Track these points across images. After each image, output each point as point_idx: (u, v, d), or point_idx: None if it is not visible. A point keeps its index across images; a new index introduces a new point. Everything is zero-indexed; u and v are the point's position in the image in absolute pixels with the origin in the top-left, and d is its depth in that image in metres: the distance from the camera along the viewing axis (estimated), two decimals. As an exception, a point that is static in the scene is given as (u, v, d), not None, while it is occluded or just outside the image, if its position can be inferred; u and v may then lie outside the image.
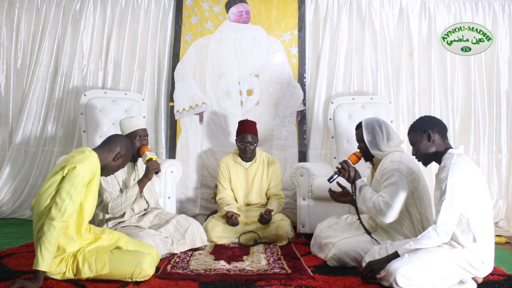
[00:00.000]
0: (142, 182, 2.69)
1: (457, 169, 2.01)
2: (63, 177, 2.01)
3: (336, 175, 2.56)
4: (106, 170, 2.24)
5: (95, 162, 2.10)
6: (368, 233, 2.53)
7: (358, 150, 2.61)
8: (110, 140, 2.26)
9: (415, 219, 2.42)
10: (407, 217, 2.43)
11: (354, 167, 2.54)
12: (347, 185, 2.65)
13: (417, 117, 4.02)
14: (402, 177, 2.34)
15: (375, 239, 2.48)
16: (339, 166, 2.55)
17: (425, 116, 2.28)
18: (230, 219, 3.09)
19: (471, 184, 2.02)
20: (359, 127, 2.59)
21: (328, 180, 2.59)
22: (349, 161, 2.56)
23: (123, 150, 2.24)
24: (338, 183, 2.64)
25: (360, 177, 2.53)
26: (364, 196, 2.43)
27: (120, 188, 2.72)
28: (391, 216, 2.34)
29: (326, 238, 2.64)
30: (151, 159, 2.69)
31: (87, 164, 2.05)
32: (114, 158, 2.22)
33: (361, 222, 2.57)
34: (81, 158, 2.05)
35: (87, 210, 2.12)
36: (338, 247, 2.47)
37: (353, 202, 2.58)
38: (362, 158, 2.61)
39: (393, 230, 2.47)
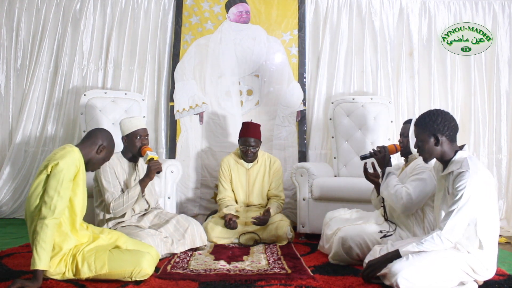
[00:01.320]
0: (143, 182, 2.70)
1: (475, 179, 1.95)
2: (48, 176, 2.02)
3: (370, 155, 2.64)
4: (91, 164, 2.24)
5: (77, 156, 2.11)
6: (386, 217, 2.58)
7: (398, 143, 2.67)
8: (91, 134, 2.27)
9: (427, 221, 2.45)
10: (421, 217, 2.46)
11: (389, 155, 2.61)
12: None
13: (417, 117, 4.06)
14: (432, 177, 2.39)
15: (389, 222, 2.53)
16: (376, 149, 2.62)
17: (439, 113, 2.11)
18: (229, 224, 3.08)
19: (483, 193, 1.99)
20: (408, 122, 2.64)
21: (361, 157, 2.70)
22: (387, 147, 2.62)
23: (105, 142, 2.25)
24: (372, 164, 2.72)
25: (391, 165, 2.59)
26: (389, 182, 2.47)
27: (122, 189, 2.72)
28: (409, 208, 2.39)
29: (333, 228, 2.68)
30: (152, 158, 2.70)
31: (69, 159, 2.05)
32: (97, 151, 2.22)
33: (383, 206, 2.60)
34: (62, 154, 2.07)
35: (77, 205, 2.12)
36: (345, 231, 2.52)
37: (378, 186, 2.63)
38: (398, 153, 2.68)
39: (404, 226, 2.50)
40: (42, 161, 4.05)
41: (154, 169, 2.69)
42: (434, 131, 2.08)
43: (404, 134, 2.63)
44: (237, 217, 3.16)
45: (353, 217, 2.79)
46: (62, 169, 2.01)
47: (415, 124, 2.19)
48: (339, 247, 2.49)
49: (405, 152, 2.64)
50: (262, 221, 3.10)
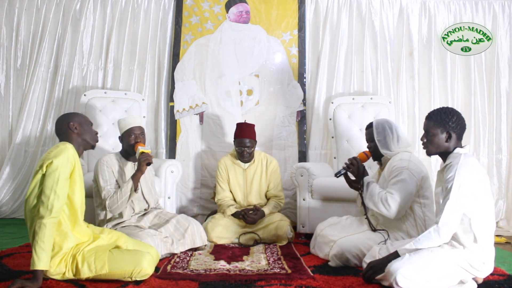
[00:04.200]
0: (135, 176, 2.66)
1: (464, 170, 2.00)
2: (44, 175, 2.01)
3: (344, 170, 2.62)
4: (86, 144, 2.24)
5: (71, 153, 2.09)
6: (373, 228, 2.55)
7: (367, 150, 2.66)
8: (56, 129, 2.23)
9: (419, 218, 2.45)
10: (411, 215, 2.47)
11: (363, 165, 2.59)
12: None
13: (417, 117, 4.07)
14: (411, 175, 2.39)
15: (380, 231, 2.51)
16: (348, 162, 2.60)
17: (454, 112, 2.16)
18: (247, 217, 3.13)
19: (475, 185, 2.02)
20: (369, 127, 2.65)
21: (335, 174, 2.66)
22: (358, 158, 2.61)
23: (69, 121, 2.20)
24: (349, 175, 2.69)
25: (368, 174, 2.58)
26: (371, 192, 2.46)
27: (119, 186, 2.72)
28: (398, 211, 2.38)
29: (326, 237, 2.65)
30: (143, 152, 2.67)
31: (64, 156, 2.04)
32: (73, 131, 2.19)
33: (367, 218, 2.59)
34: (56, 152, 2.05)
35: (77, 202, 2.12)
36: (340, 245, 2.49)
37: (361, 195, 2.63)
38: (371, 158, 2.66)
39: (396, 228, 2.49)
40: (41, 161, 4.11)
41: (143, 161, 2.63)
42: (448, 128, 2.13)
43: (370, 139, 2.63)
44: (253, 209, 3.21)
45: (343, 224, 2.76)
46: (57, 167, 2.00)
47: (428, 118, 2.21)
48: (336, 261, 2.48)
49: (376, 156, 2.64)
50: (250, 220, 3.12)
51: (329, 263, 2.52)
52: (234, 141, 3.37)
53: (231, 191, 3.38)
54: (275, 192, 3.37)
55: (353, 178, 2.68)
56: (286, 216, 3.36)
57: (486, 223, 2.06)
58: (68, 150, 2.08)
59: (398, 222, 2.48)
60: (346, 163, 2.61)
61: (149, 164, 2.66)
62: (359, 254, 2.45)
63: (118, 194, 2.61)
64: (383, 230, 2.52)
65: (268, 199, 3.40)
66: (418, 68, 4.19)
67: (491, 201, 2.12)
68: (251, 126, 3.37)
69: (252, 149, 3.33)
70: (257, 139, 3.41)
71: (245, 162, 3.37)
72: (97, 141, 2.32)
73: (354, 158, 2.60)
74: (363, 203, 2.59)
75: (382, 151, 2.58)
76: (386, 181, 2.50)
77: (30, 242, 2.04)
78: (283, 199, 3.39)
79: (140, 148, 2.68)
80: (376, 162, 2.72)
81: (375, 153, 2.63)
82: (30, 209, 2.01)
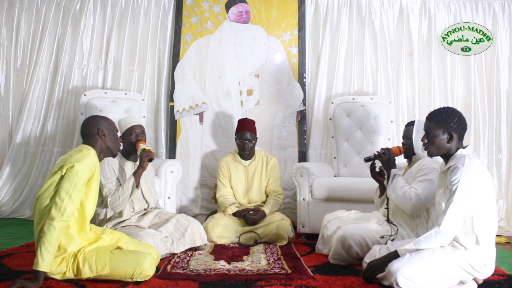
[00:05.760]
0: (137, 173, 2.68)
1: (470, 173, 1.99)
2: (62, 177, 2.01)
3: (374, 158, 2.65)
4: (108, 151, 2.23)
5: (93, 160, 2.10)
6: (388, 220, 2.57)
7: (401, 145, 2.68)
8: (83, 130, 2.23)
9: (431, 221, 2.46)
10: (425, 217, 2.48)
11: (394, 157, 2.61)
12: None
13: (417, 117, 4.07)
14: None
15: (391, 224, 2.52)
16: (380, 151, 2.61)
17: (456, 113, 2.14)
18: (247, 218, 3.14)
19: (479, 188, 2.01)
20: (410, 124, 2.66)
21: (365, 159, 2.69)
22: (391, 149, 2.62)
23: (99, 125, 2.21)
24: (380, 167, 2.71)
25: (396, 167, 2.59)
26: (396, 184, 2.48)
27: (121, 184, 2.73)
28: (418, 209, 2.41)
29: (332, 227, 2.69)
30: (144, 149, 2.71)
31: (86, 162, 2.04)
32: (101, 137, 2.20)
33: (387, 208, 2.60)
34: (79, 156, 2.05)
35: (88, 209, 2.12)
36: (344, 230, 2.53)
37: (384, 187, 2.65)
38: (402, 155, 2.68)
39: (407, 227, 2.51)
40: (42, 161, 4.12)
41: (145, 156, 2.67)
42: (450, 129, 2.11)
43: (407, 136, 2.64)
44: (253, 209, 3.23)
45: (351, 218, 2.79)
46: (77, 172, 1.99)
47: (428, 119, 2.19)
48: (338, 245, 2.49)
49: (409, 154, 2.66)
50: (251, 220, 3.13)
51: (330, 257, 2.53)
52: (235, 136, 3.42)
53: (232, 188, 3.41)
54: (274, 187, 3.40)
55: (377, 170, 2.71)
56: (286, 216, 3.37)
57: (488, 225, 2.05)
58: (91, 157, 2.08)
59: (411, 221, 2.49)
60: (378, 151, 2.63)
61: (150, 160, 2.71)
62: (362, 243, 2.47)
63: (120, 191, 2.63)
64: (394, 225, 2.52)
65: (267, 196, 3.42)
66: (418, 68, 4.19)
67: (494, 203, 2.11)
68: (252, 122, 3.46)
69: (253, 143, 3.39)
70: (257, 139, 3.44)
71: (247, 157, 3.41)
72: (119, 150, 2.32)
73: (388, 148, 2.62)
74: (386, 195, 2.60)
75: (416, 151, 2.59)
76: (412, 177, 2.52)
77: (33, 240, 2.04)
78: (281, 195, 3.41)
79: (142, 146, 2.73)
80: (405, 159, 2.74)
81: (408, 151, 2.64)
82: (41, 208, 2.00)
